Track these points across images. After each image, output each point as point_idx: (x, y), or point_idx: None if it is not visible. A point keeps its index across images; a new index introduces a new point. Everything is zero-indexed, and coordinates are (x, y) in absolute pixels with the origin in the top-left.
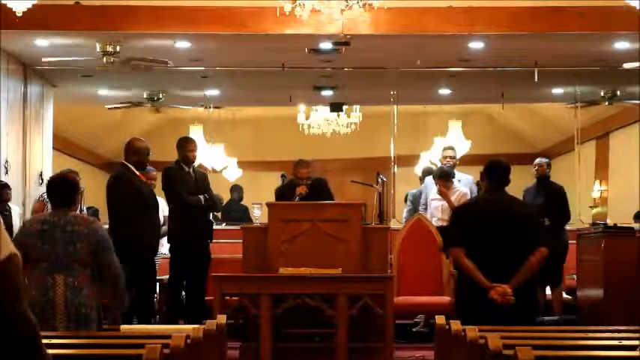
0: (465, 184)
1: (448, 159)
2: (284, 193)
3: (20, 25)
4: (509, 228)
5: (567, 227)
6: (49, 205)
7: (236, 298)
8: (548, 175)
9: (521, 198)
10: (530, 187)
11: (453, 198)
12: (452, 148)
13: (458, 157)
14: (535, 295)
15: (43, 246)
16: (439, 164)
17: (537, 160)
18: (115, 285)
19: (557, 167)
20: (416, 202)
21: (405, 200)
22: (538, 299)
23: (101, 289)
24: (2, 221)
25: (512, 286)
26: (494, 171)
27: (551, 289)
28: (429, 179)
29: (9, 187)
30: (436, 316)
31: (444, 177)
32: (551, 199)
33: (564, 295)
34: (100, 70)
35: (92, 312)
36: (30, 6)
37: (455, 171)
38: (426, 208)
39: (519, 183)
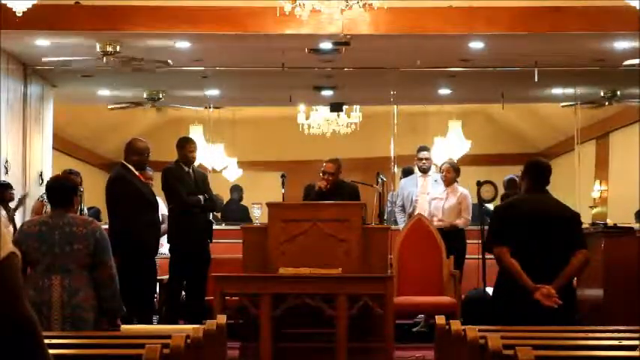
0: (441, 183)
1: (424, 161)
2: (309, 192)
3: (20, 25)
4: (550, 229)
5: None
6: (48, 206)
7: (236, 298)
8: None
9: None
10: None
11: (454, 198)
12: (426, 149)
13: (457, 156)
14: (575, 297)
15: (41, 247)
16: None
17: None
18: (109, 287)
19: (557, 167)
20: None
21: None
22: (577, 303)
23: (97, 291)
24: (4, 220)
25: (555, 288)
26: (535, 171)
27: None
28: (405, 180)
29: (12, 187)
30: (436, 316)
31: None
32: None
33: None
34: (100, 70)
35: (88, 314)
36: (30, 6)
37: (432, 171)
38: (402, 208)
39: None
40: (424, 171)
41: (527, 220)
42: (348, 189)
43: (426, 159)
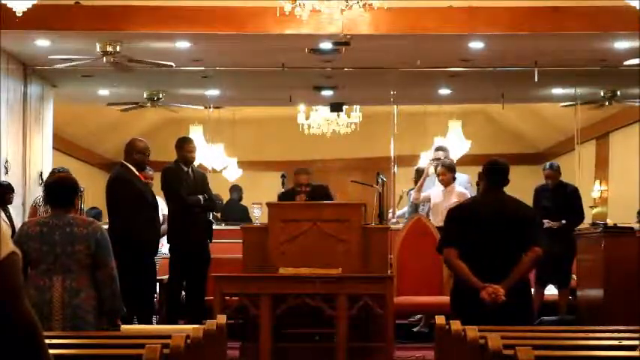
0: (459, 182)
1: (438, 161)
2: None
3: (20, 25)
4: (504, 228)
5: None
6: (40, 209)
7: (236, 298)
8: (560, 180)
9: (522, 197)
10: (543, 186)
11: (452, 197)
12: (441, 149)
13: (457, 156)
14: (529, 296)
15: (42, 247)
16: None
17: (547, 172)
18: (110, 287)
19: None
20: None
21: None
22: (532, 300)
23: (97, 291)
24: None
25: (505, 287)
26: (492, 171)
27: (559, 290)
28: (431, 190)
29: (12, 189)
30: (436, 316)
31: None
32: (569, 199)
33: None
34: (100, 70)
35: (89, 315)
36: (30, 6)
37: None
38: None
39: (519, 183)
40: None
41: (478, 221)
42: (320, 192)
43: (438, 159)
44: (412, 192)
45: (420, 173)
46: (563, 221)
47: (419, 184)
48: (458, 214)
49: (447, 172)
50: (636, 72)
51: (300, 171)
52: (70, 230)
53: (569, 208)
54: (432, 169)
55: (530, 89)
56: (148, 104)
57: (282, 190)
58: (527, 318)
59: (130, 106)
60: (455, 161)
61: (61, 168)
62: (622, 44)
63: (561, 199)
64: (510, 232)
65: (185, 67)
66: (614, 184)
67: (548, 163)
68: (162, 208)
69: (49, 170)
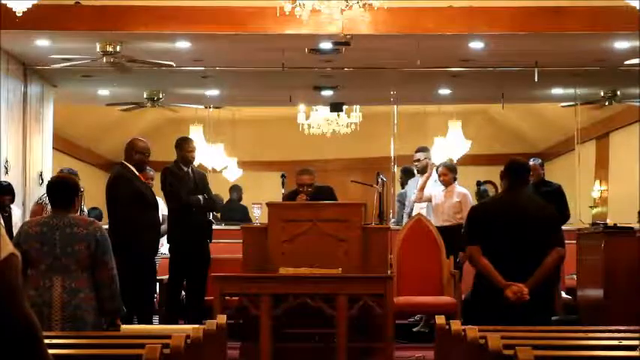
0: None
1: (415, 162)
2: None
3: (20, 25)
4: (525, 228)
5: (566, 227)
6: (48, 208)
7: (236, 298)
8: (543, 177)
9: None
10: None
11: (453, 197)
12: (420, 150)
13: (457, 157)
14: (551, 296)
15: (42, 248)
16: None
17: (531, 163)
18: (110, 288)
19: (558, 167)
20: (403, 200)
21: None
22: (554, 300)
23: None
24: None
25: (528, 286)
26: (514, 170)
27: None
28: (410, 181)
29: (11, 192)
30: (436, 316)
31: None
32: (550, 198)
33: (564, 295)
34: (100, 70)
35: (89, 315)
36: (30, 6)
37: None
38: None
39: None
40: (419, 171)
41: (501, 219)
42: (325, 193)
43: (417, 160)
44: (403, 192)
45: (406, 173)
46: None
47: (420, 183)
48: (482, 212)
49: (449, 172)
50: (636, 72)
51: (302, 171)
52: (70, 231)
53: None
54: (434, 170)
55: (530, 89)
56: (148, 104)
57: (283, 190)
58: (548, 320)
59: (130, 106)
60: (455, 161)
61: (68, 169)
62: (622, 44)
63: (544, 197)
64: (534, 232)
65: (185, 67)
66: (614, 184)
67: (531, 158)
68: (162, 208)
69: (49, 170)
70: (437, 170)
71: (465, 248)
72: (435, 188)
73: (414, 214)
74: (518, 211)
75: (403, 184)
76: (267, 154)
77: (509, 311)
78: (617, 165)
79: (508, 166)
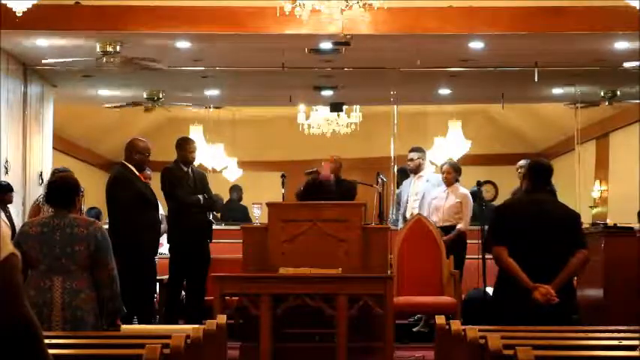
0: (435, 183)
1: (408, 162)
2: (309, 189)
3: (20, 25)
4: (549, 228)
5: None
6: (44, 209)
7: (236, 298)
8: None
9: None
10: (518, 187)
11: (455, 197)
12: (414, 150)
13: (457, 157)
14: (574, 297)
15: (43, 248)
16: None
17: (521, 162)
18: (110, 288)
19: (558, 167)
20: (398, 200)
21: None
22: (577, 300)
23: (97, 292)
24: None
25: (554, 287)
26: (537, 171)
27: None
28: (405, 181)
29: (12, 189)
30: (436, 316)
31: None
32: None
33: None
34: (100, 70)
35: (89, 315)
36: (30, 6)
37: (428, 171)
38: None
39: (517, 183)
40: (412, 171)
41: (526, 219)
42: (346, 184)
43: (410, 160)
44: (398, 193)
45: (401, 174)
46: None
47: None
48: (506, 212)
49: (453, 171)
50: (636, 72)
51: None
52: (70, 231)
53: None
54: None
55: (530, 89)
56: (148, 104)
57: (283, 190)
58: (571, 320)
59: (124, 104)
60: (456, 160)
61: (62, 168)
62: (622, 44)
63: None
64: (557, 233)
65: (185, 67)
66: (614, 184)
67: (523, 160)
68: (162, 209)
69: (49, 170)
70: (441, 168)
71: (490, 248)
72: (435, 189)
73: (407, 214)
74: (543, 212)
75: (398, 185)
76: (267, 154)
77: (536, 312)
78: (617, 165)
79: (530, 167)
